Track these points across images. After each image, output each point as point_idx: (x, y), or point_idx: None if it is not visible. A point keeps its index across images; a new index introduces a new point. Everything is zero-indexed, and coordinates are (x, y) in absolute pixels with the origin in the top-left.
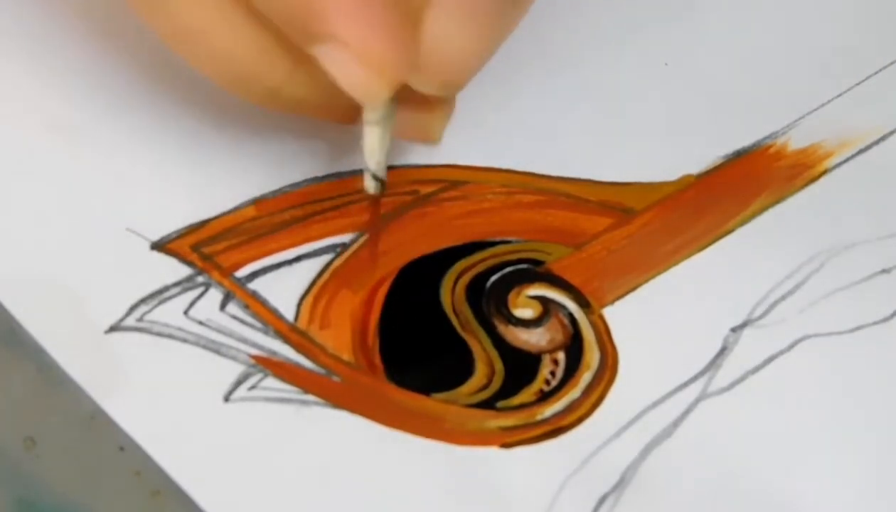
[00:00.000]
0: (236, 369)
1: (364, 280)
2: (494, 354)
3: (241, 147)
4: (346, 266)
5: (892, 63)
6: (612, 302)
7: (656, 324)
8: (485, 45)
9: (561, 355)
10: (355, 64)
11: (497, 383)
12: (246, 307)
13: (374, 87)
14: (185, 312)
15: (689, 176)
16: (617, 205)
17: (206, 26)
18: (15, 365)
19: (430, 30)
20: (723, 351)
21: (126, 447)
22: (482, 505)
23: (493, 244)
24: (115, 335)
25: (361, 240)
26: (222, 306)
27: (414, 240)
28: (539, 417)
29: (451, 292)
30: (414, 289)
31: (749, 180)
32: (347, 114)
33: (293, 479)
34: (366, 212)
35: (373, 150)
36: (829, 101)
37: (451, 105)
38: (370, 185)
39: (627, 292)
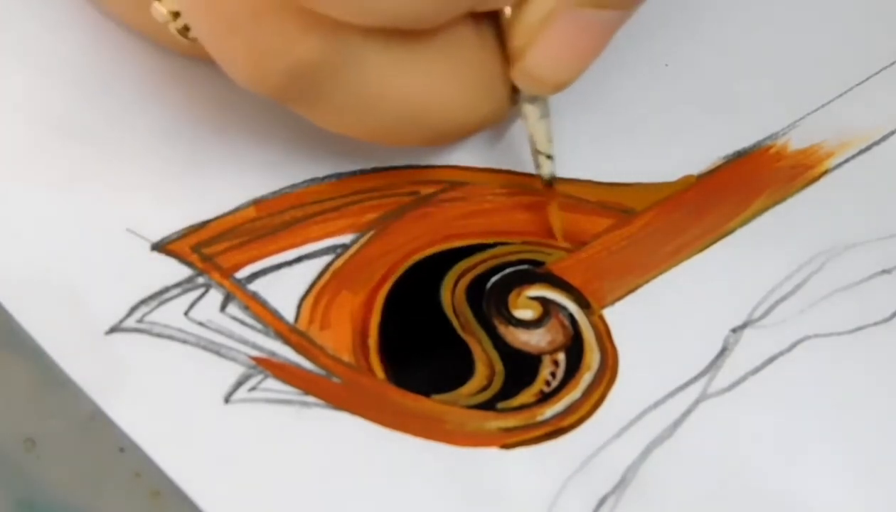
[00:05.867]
0: (237, 370)
1: (364, 281)
2: (495, 355)
3: (241, 148)
4: (346, 267)
5: (892, 63)
6: (613, 303)
7: (656, 324)
8: (587, 63)
9: (561, 356)
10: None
11: (497, 384)
12: (246, 308)
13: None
14: (186, 313)
15: (689, 176)
16: (617, 205)
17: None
18: (15, 366)
19: (532, 65)
20: (723, 352)
21: (126, 448)
22: (482, 506)
23: (493, 245)
24: (116, 336)
25: (362, 240)
26: (222, 307)
27: (414, 241)
28: (539, 418)
29: (452, 293)
30: (414, 290)
31: (749, 181)
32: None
33: (293, 480)
34: (378, 208)
35: (549, 137)
36: (829, 102)
37: None
38: (550, 170)
39: (628, 293)
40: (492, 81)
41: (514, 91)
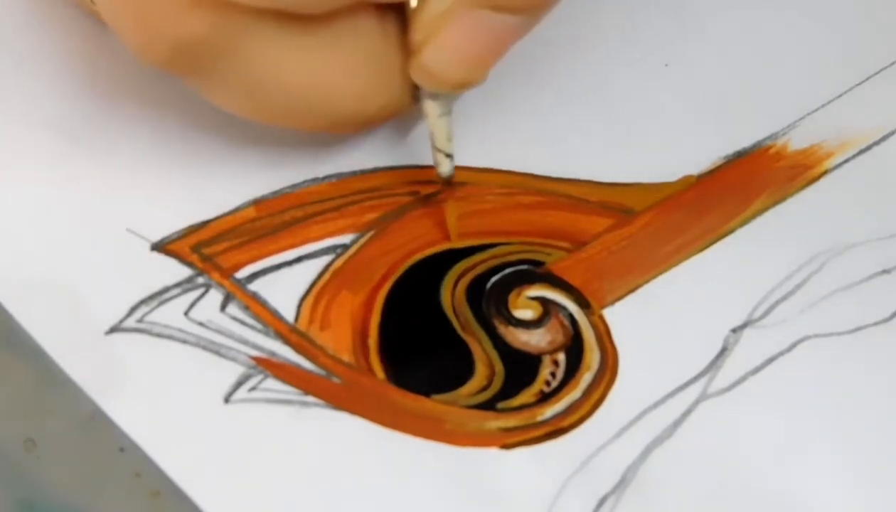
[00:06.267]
0: (236, 370)
1: (364, 281)
2: (495, 355)
3: (241, 148)
4: (346, 267)
5: (892, 63)
6: (613, 303)
7: (656, 324)
8: (485, 66)
9: (561, 356)
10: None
11: (497, 384)
12: (246, 308)
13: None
14: (186, 313)
15: (689, 176)
16: (617, 205)
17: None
18: (15, 366)
19: (429, 61)
20: (723, 352)
21: (126, 448)
22: (482, 506)
23: (493, 245)
24: (116, 336)
25: (362, 240)
26: (223, 307)
27: (414, 241)
28: (539, 418)
29: (452, 293)
30: (414, 290)
31: (749, 181)
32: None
33: (293, 480)
34: (378, 208)
35: (449, 136)
36: (829, 102)
37: None
38: (448, 168)
39: (628, 293)
40: (391, 73)
41: (417, 87)
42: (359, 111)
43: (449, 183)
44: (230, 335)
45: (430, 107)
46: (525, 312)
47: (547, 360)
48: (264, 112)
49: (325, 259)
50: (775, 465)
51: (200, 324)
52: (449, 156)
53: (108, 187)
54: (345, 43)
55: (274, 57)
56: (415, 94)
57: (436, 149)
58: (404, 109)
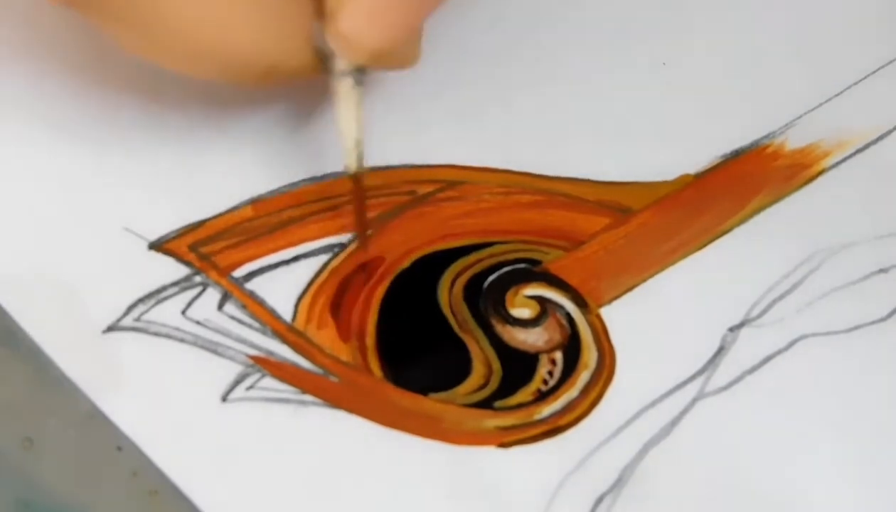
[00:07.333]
0: (234, 369)
1: (362, 280)
2: (492, 353)
3: (238, 147)
4: (343, 266)
5: (890, 63)
6: (610, 301)
7: (654, 323)
8: (405, 27)
9: (558, 355)
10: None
11: (495, 383)
12: (243, 307)
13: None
14: (183, 312)
15: (686, 175)
16: (614, 204)
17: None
18: (13, 365)
19: (345, 26)
20: (720, 350)
21: (124, 447)
22: (480, 504)
23: (490, 244)
24: (113, 335)
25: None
26: (220, 306)
27: (411, 240)
28: (537, 417)
29: (449, 292)
30: (411, 289)
31: (747, 180)
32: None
33: (290, 479)
34: (375, 208)
35: (359, 118)
36: (826, 101)
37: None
38: (355, 161)
39: (625, 292)
40: (291, 27)
41: (322, 51)
42: (253, 60)
43: (357, 180)
44: (227, 334)
45: (341, 83)
46: (522, 311)
47: (544, 358)
48: (162, 52)
49: (323, 258)
50: (773, 463)
51: (198, 323)
52: (358, 145)
53: (106, 186)
54: None
55: None
56: (318, 57)
57: (341, 134)
58: (305, 71)
